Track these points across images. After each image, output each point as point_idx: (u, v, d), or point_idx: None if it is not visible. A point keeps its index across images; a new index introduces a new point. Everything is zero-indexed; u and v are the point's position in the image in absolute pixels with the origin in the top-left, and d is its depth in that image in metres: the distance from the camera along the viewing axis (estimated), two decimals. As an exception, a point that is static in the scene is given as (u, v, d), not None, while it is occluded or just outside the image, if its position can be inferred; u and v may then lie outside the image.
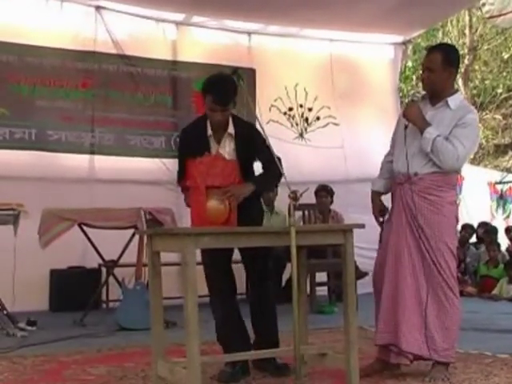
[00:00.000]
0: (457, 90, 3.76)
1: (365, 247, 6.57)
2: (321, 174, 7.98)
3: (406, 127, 3.60)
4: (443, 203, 3.56)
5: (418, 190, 3.55)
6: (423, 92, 3.76)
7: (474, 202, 10.81)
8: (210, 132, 3.68)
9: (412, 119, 3.58)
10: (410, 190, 3.56)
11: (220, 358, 3.67)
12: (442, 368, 3.58)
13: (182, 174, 3.62)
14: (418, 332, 3.50)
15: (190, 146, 3.67)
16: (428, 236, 3.53)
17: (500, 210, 10.94)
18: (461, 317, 3.63)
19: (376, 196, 3.85)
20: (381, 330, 3.59)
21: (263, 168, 3.83)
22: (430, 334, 3.51)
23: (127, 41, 7.65)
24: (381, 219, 3.80)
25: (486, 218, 10.45)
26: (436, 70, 3.59)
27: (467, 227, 9.37)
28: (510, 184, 11.00)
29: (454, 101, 3.62)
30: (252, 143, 3.70)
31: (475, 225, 9.60)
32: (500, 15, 7.58)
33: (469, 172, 11.31)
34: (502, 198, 10.98)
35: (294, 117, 8.39)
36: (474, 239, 9.52)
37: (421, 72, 3.70)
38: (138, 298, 5.42)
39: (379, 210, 3.81)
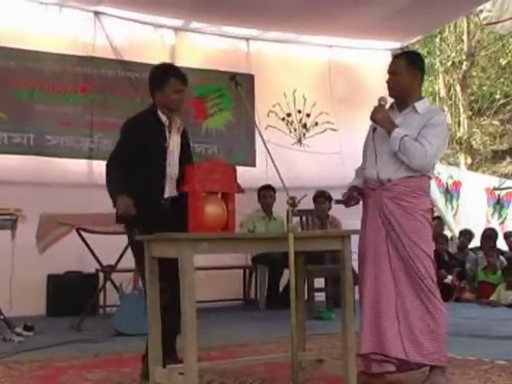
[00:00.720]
0: (423, 97, 3.76)
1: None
2: (319, 179, 7.99)
3: (374, 130, 3.61)
4: (417, 209, 3.54)
5: (391, 196, 3.53)
6: (391, 100, 3.74)
7: (472, 208, 10.82)
8: (164, 119, 3.77)
9: (379, 121, 3.58)
10: (383, 197, 3.54)
11: (217, 364, 3.66)
12: (439, 372, 3.56)
13: (121, 159, 3.72)
14: (404, 338, 3.48)
15: (141, 133, 3.71)
16: (404, 242, 3.51)
17: (496, 215, 10.95)
18: (447, 320, 3.59)
19: (352, 188, 3.79)
20: (365, 339, 3.54)
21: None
22: (416, 338, 3.48)
23: (126, 46, 7.67)
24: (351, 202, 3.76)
25: (482, 224, 10.46)
26: (400, 73, 3.62)
27: (466, 233, 9.37)
28: (508, 190, 11.01)
29: (421, 105, 3.63)
30: (187, 140, 3.93)
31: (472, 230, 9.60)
32: (498, 22, 7.61)
33: (466, 178, 11.34)
34: (498, 203, 11.00)
35: (292, 122, 8.42)
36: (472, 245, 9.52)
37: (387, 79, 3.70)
38: (136, 303, 5.40)
39: (352, 197, 3.75)
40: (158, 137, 3.74)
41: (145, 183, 3.70)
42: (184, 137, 3.90)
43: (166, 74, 3.77)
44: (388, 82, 3.69)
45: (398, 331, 3.49)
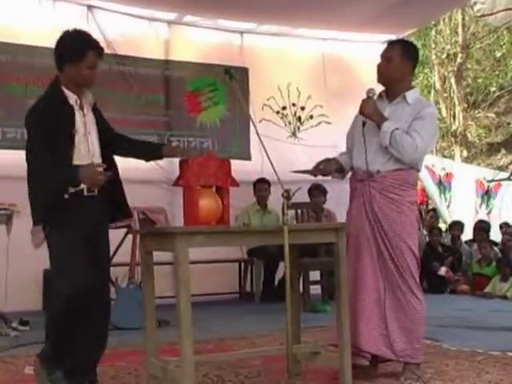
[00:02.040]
0: (413, 86, 3.73)
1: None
2: (314, 172, 7.99)
3: (363, 125, 3.57)
4: (404, 202, 3.54)
5: (379, 188, 3.53)
6: (379, 90, 3.71)
7: (462, 199, 10.87)
8: (74, 99, 3.29)
9: (368, 115, 3.56)
10: (371, 188, 3.54)
11: (213, 356, 3.67)
12: (413, 367, 3.57)
13: (47, 158, 3.18)
14: (377, 332, 3.49)
15: (53, 120, 3.19)
16: (388, 235, 3.50)
17: (483, 206, 11.01)
18: (423, 316, 3.57)
19: (325, 160, 3.75)
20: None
21: (121, 138, 3.59)
22: (389, 334, 3.49)
23: (119, 40, 7.64)
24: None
25: (471, 215, 10.53)
26: (394, 60, 3.59)
27: (456, 224, 9.38)
28: (497, 181, 11.07)
29: (411, 95, 3.61)
30: (100, 113, 3.50)
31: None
32: (491, 14, 7.62)
33: (458, 170, 11.38)
34: (486, 194, 11.06)
35: (286, 116, 8.42)
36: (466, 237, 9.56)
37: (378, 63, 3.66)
38: (131, 297, 5.41)
39: (317, 168, 3.71)
40: (70, 119, 3.24)
41: (60, 180, 3.22)
42: (95, 111, 3.45)
43: (83, 46, 3.25)
44: (379, 66, 3.64)
45: (372, 326, 3.49)
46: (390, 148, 3.51)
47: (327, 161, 3.75)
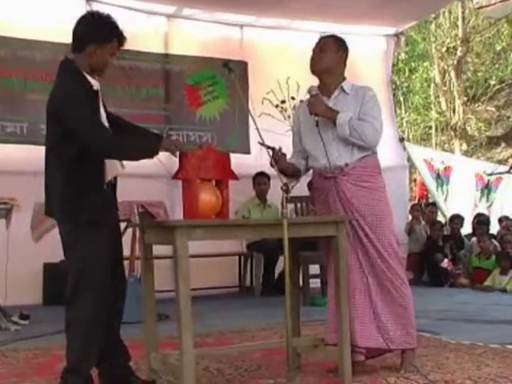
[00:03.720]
0: (345, 78, 3.71)
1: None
2: (313, 166, 7.99)
3: (317, 124, 3.55)
4: (377, 188, 3.57)
5: (351, 180, 3.54)
6: (315, 87, 3.69)
7: (461, 193, 10.86)
8: (97, 85, 3.14)
9: (321, 112, 3.55)
10: (345, 181, 3.53)
11: (213, 350, 3.68)
12: (410, 355, 3.59)
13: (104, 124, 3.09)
14: (371, 325, 3.49)
15: (90, 107, 3.05)
16: (370, 224, 3.50)
17: (484, 200, 11.00)
18: (412, 302, 3.58)
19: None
20: (331, 329, 3.54)
21: (123, 126, 3.36)
22: (382, 324, 3.49)
23: (118, 34, 7.62)
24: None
25: (471, 208, 10.52)
26: (329, 50, 3.62)
27: (456, 217, 9.38)
28: (498, 175, 11.06)
29: (347, 85, 3.63)
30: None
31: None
32: (489, 5, 7.61)
33: (458, 163, 11.36)
34: (486, 188, 11.05)
35: (286, 109, 8.39)
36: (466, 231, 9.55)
37: (311, 56, 3.66)
38: (131, 291, 5.34)
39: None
40: (96, 110, 3.09)
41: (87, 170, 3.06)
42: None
43: (112, 29, 3.12)
44: (314, 57, 3.65)
45: (366, 321, 3.49)
46: (350, 138, 3.51)
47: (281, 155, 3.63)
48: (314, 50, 3.68)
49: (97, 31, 3.11)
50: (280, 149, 3.61)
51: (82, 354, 3.05)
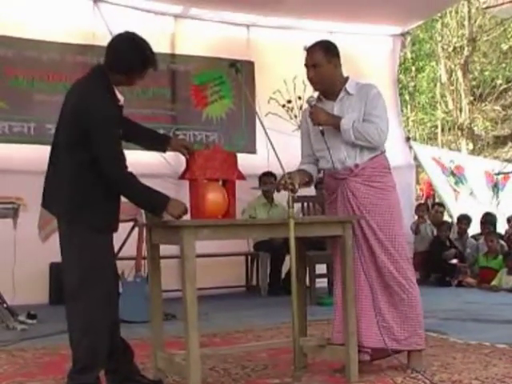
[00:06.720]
0: (347, 77, 3.71)
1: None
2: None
3: (322, 134, 3.55)
4: (388, 188, 3.57)
5: (361, 180, 3.54)
6: (315, 94, 3.70)
7: (476, 192, 10.83)
8: (122, 100, 3.20)
9: (323, 121, 3.56)
10: (355, 182, 3.54)
11: (220, 349, 3.68)
12: (417, 356, 3.58)
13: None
14: (376, 326, 3.48)
15: (116, 122, 3.09)
16: (380, 224, 3.50)
17: (494, 198, 10.96)
18: (420, 302, 3.57)
19: (287, 174, 3.42)
20: (337, 329, 3.55)
21: (131, 127, 3.38)
22: (388, 324, 3.49)
23: (125, 34, 7.63)
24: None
25: (485, 207, 10.46)
26: (322, 65, 3.57)
27: (463, 218, 9.34)
28: (506, 173, 11.02)
29: (351, 86, 3.63)
30: None
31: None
32: (496, 5, 7.59)
33: (468, 162, 11.33)
34: (495, 187, 11.01)
35: (292, 109, 8.38)
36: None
37: (306, 73, 3.62)
38: (138, 290, 5.43)
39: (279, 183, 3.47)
40: (119, 125, 3.14)
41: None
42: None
43: (149, 61, 3.18)
44: (310, 76, 3.60)
45: (371, 321, 3.48)
46: (357, 141, 3.52)
47: (292, 174, 3.54)
48: (306, 66, 3.62)
49: (137, 61, 3.15)
50: (289, 174, 3.46)
51: (91, 353, 3.04)
